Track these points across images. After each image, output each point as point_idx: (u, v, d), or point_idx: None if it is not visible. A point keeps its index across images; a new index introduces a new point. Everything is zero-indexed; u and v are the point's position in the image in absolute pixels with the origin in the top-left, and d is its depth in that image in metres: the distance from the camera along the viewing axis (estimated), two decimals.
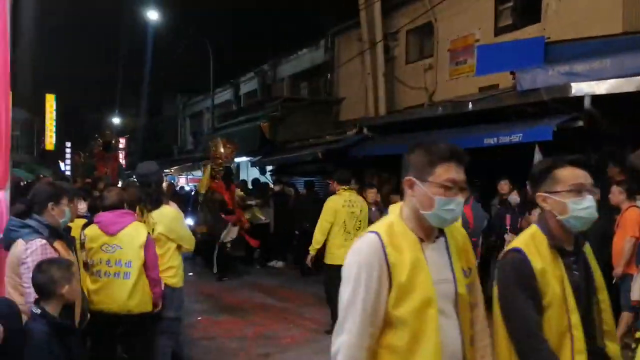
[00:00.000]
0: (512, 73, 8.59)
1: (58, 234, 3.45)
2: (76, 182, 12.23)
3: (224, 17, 33.31)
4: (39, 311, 2.95)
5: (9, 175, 4.00)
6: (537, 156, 7.69)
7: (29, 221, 3.35)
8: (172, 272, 4.84)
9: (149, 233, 4.48)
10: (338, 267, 6.54)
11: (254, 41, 27.23)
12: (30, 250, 3.22)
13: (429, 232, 2.16)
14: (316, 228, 6.98)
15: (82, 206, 5.49)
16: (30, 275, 3.06)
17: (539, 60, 8.36)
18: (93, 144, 18.67)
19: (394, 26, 13.87)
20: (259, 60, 22.97)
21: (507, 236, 7.58)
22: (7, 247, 3.34)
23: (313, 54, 18.67)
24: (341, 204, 6.94)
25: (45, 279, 2.98)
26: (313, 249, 7.00)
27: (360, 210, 7.08)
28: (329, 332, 7.74)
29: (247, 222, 10.91)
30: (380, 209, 9.45)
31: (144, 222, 4.85)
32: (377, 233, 2.11)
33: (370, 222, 8.96)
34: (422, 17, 12.66)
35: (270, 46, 22.51)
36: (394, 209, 2.27)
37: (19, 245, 3.27)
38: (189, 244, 5.04)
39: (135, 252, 4.29)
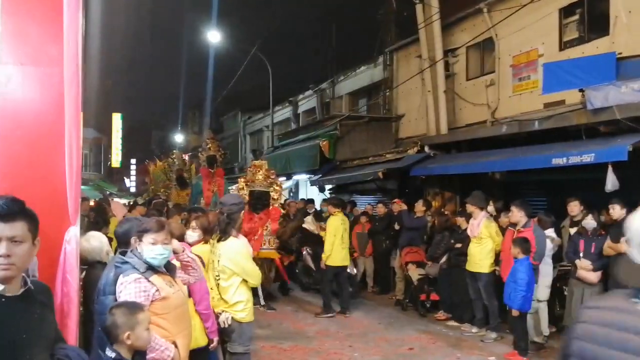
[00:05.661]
0: (581, 90, 8.28)
1: (154, 268, 3.48)
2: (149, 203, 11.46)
3: (283, 36, 33.76)
4: (113, 354, 2.97)
5: (79, 211, 4.05)
6: (611, 176, 7.37)
7: (129, 257, 3.46)
8: (240, 306, 4.75)
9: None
10: (336, 267, 9.60)
11: (313, 59, 27.46)
12: (124, 285, 3.32)
13: None
14: (327, 242, 9.55)
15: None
16: None
17: (610, 77, 8.02)
18: (174, 156, 18.08)
19: (454, 42, 13.65)
20: (317, 78, 23.10)
21: (578, 262, 7.26)
22: (115, 283, 3.45)
23: (372, 71, 18.61)
24: (340, 222, 9.66)
25: (109, 322, 3.01)
26: (325, 256, 9.55)
27: (346, 227, 9.88)
28: (318, 314, 9.51)
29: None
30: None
31: (212, 252, 4.82)
32: None
33: None
34: (483, 33, 12.40)
35: (328, 64, 22.61)
36: None
37: (119, 281, 3.38)
38: (254, 279, 4.91)
39: None
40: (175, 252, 3.70)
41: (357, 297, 10.70)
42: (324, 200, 13.80)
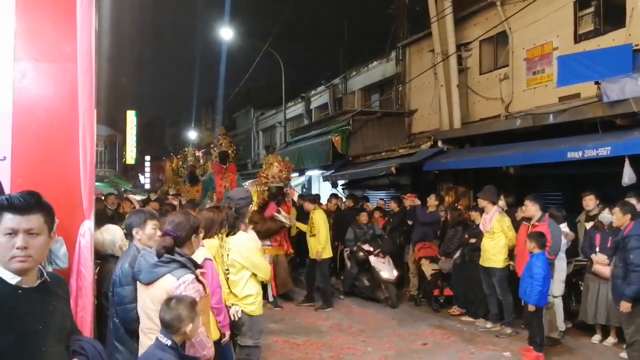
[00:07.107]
0: (596, 83, 8.19)
1: (197, 265, 3.49)
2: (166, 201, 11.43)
3: (295, 32, 33.79)
4: (169, 342, 3.04)
5: (93, 205, 4.08)
6: (627, 170, 7.29)
7: (176, 256, 3.39)
8: (250, 299, 4.79)
9: (208, 259, 4.17)
10: (327, 259, 9.97)
11: (325, 54, 27.51)
12: (184, 285, 3.27)
13: None
14: (322, 235, 9.66)
15: None
16: None
17: (627, 69, 7.91)
18: (186, 152, 18.18)
19: (467, 36, 13.56)
20: (330, 73, 23.07)
21: (594, 257, 7.19)
22: (152, 281, 3.38)
23: (384, 66, 18.54)
24: (325, 216, 10.01)
25: (173, 315, 3.06)
26: (321, 250, 9.66)
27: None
28: (318, 308, 9.65)
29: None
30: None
31: (221, 246, 4.83)
32: None
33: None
34: (496, 26, 12.30)
35: (341, 59, 22.58)
36: None
37: (169, 279, 3.30)
38: (264, 273, 4.94)
39: None
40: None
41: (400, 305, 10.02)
42: (300, 196, 13.79)
